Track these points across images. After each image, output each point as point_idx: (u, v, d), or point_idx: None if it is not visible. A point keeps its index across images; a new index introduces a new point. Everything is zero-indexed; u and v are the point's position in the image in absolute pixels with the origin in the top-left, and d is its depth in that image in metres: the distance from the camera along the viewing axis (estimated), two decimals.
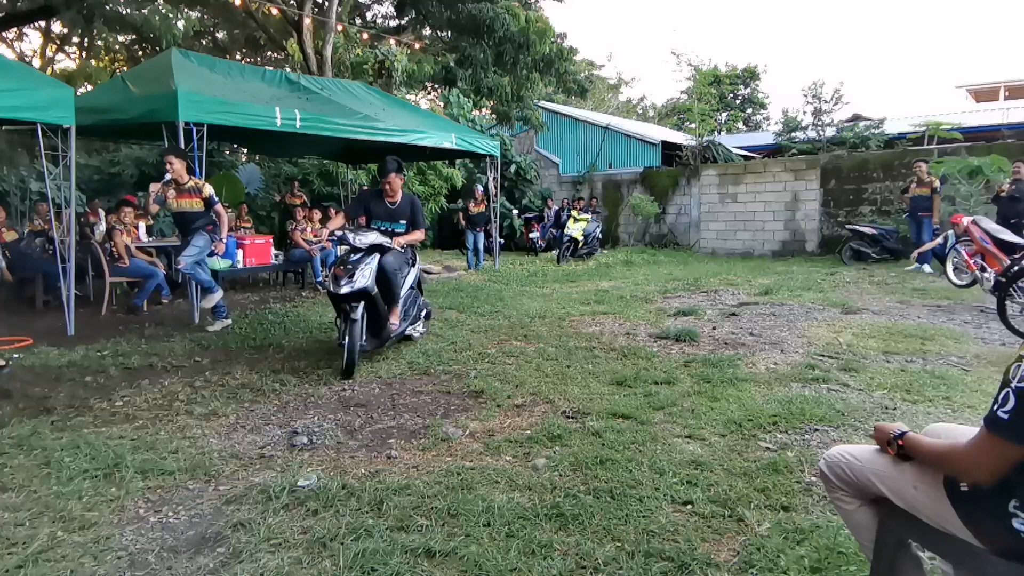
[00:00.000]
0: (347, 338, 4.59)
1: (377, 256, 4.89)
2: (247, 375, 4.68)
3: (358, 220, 5.46)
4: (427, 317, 5.92)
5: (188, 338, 5.86)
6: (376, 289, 4.80)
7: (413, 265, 5.63)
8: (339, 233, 5.04)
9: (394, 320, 5.10)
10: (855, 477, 1.67)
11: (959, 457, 1.41)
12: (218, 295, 6.29)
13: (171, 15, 11.54)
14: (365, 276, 4.70)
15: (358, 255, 4.84)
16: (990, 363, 4.63)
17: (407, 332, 5.45)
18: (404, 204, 5.34)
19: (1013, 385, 1.31)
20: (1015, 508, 1.36)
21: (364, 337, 4.83)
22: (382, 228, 5.23)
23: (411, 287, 5.47)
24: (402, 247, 5.17)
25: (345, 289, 4.62)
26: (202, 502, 2.70)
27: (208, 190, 6.17)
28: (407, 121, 9.52)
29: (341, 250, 5.50)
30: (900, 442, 1.57)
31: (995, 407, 1.33)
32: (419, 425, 3.64)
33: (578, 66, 23.09)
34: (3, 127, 7.36)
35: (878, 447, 1.66)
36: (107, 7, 11.26)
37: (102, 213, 9.72)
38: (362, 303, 4.75)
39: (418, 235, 5.37)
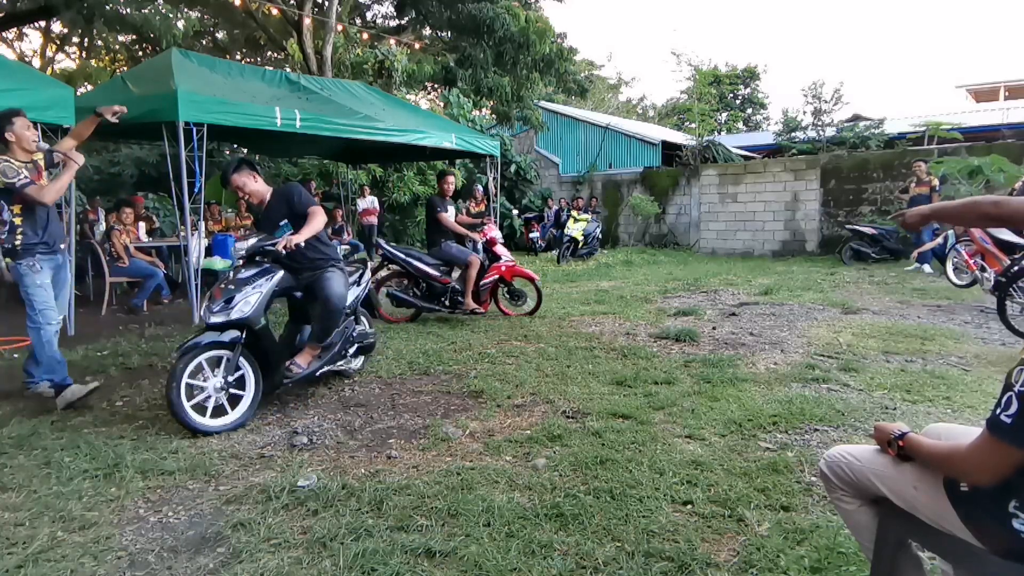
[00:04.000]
0: (169, 383, 3.37)
1: (278, 275, 3.83)
2: None
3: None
4: (367, 351, 4.67)
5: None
6: (262, 322, 3.73)
7: (359, 283, 4.54)
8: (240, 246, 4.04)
9: (302, 361, 3.98)
10: (855, 477, 1.66)
11: (961, 460, 1.41)
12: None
13: (171, 15, 11.55)
14: (249, 303, 3.62)
15: (251, 271, 3.77)
16: (990, 363, 4.63)
17: (336, 369, 4.38)
18: (275, 202, 4.12)
19: (1016, 389, 1.31)
20: (1015, 508, 1.36)
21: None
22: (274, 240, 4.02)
23: (345, 312, 4.29)
24: (296, 246, 3.81)
25: (216, 318, 3.57)
26: (202, 502, 2.70)
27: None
28: (407, 121, 9.52)
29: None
30: (901, 443, 1.57)
31: (997, 411, 1.33)
32: (419, 425, 3.64)
33: (578, 66, 23.09)
34: None
35: (878, 447, 1.66)
36: (107, 7, 11.26)
37: (102, 213, 9.71)
38: (237, 334, 3.62)
39: (312, 222, 3.95)
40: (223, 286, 3.73)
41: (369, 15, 20.30)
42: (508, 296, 7.03)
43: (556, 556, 2.23)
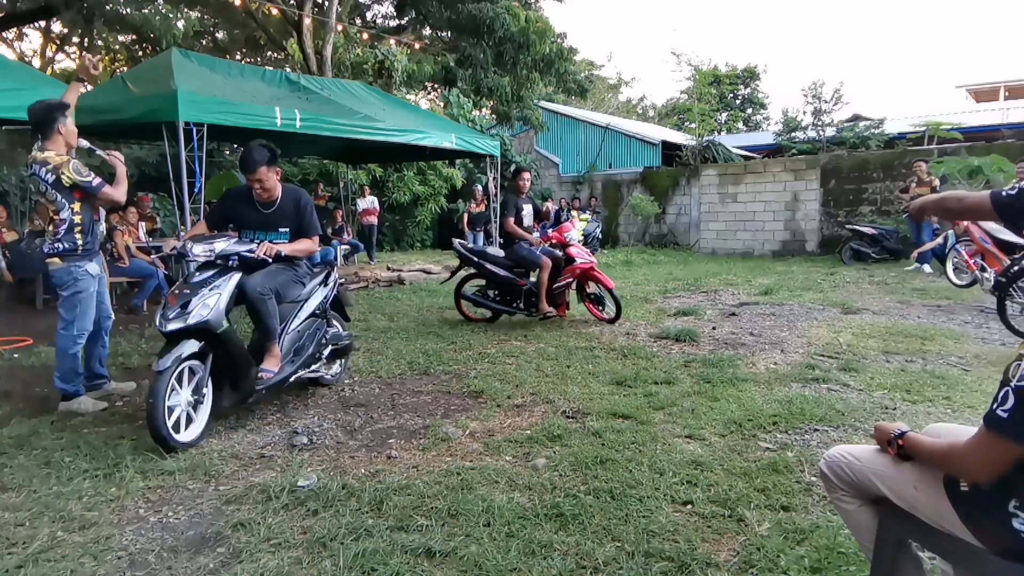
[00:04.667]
0: (153, 399, 3.13)
1: (236, 276, 3.58)
2: None
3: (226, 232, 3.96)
4: (342, 353, 4.45)
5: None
6: (225, 325, 3.44)
7: (325, 283, 4.31)
8: (178, 245, 3.64)
9: (269, 365, 3.72)
10: (855, 477, 1.66)
11: (959, 456, 1.41)
12: None
13: (171, 15, 11.54)
14: (208, 306, 3.36)
15: (207, 273, 3.52)
16: (990, 363, 4.63)
17: (310, 376, 4.15)
18: (286, 204, 3.94)
19: (1013, 384, 1.31)
20: (1015, 508, 1.36)
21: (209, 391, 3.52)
22: (256, 240, 3.86)
23: (313, 314, 4.14)
24: (277, 255, 3.75)
25: (172, 326, 3.30)
26: (202, 502, 2.70)
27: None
28: (407, 121, 9.52)
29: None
30: (900, 442, 1.57)
31: (994, 406, 1.33)
32: (419, 425, 3.64)
33: (578, 66, 23.09)
34: (3, 127, 7.36)
35: (878, 447, 1.66)
36: (107, 7, 11.26)
37: (103, 212, 9.69)
38: (200, 344, 3.38)
39: (305, 245, 3.90)
40: (177, 291, 3.47)
41: (369, 15, 20.31)
42: (591, 299, 6.57)
43: (556, 556, 2.23)
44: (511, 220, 6.41)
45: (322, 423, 3.68)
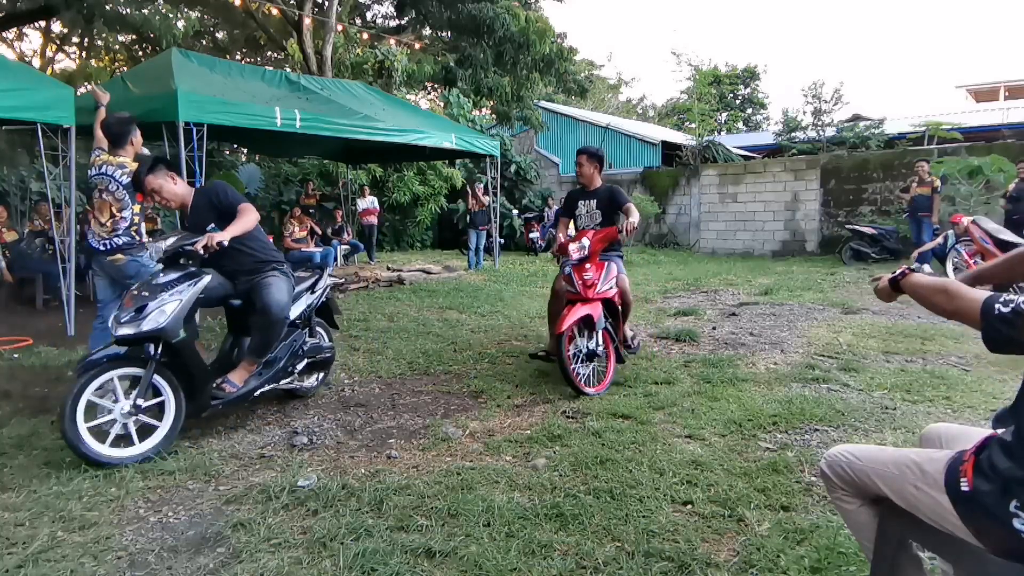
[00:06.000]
0: (66, 407, 2.92)
1: (204, 280, 3.34)
2: None
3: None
4: (321, 366, 4.15)
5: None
6: (181, 335, 3.18)
7: (312, 289, 4.03)
8: (149, 246, 3.54)
9: (236, 378, 3.49)
10: (856, 477, 1.66)
11: (959, 296, 1.49)
12: None
13: (171, 15, 11.56)
14: (164, 313, 3.10)
15: (172, 275, 3.29)
16: (990, 363, 4.63)
17: (283, 388, 3.86)
18: (200, 203, 3.65)
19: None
20: (1016, 508, 1.36)
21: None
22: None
23: (292, 323, 3.82)
24: (220, 245, 3.32)
25: (123, 331, 3.06)
26: (202, 502, 2.70)
27: None
28: (407, 121, 9.52)
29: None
30: (901, 278, 1.65)
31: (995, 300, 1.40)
32: (419, 425, 3.64)
33: (578, 66, 23.09)
34: (3, 127, 7.36)
35: (879, 447, 1.66)
36: (107, 7, 11.27)
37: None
38: (154, 349, 3.15)
39: (241, 221, 3.50)
40: (135, 292, 3.22)
41: (369, 15, 20.31)
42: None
43: (556, 556, 2.23)
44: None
45: (322, 423, 3.68)
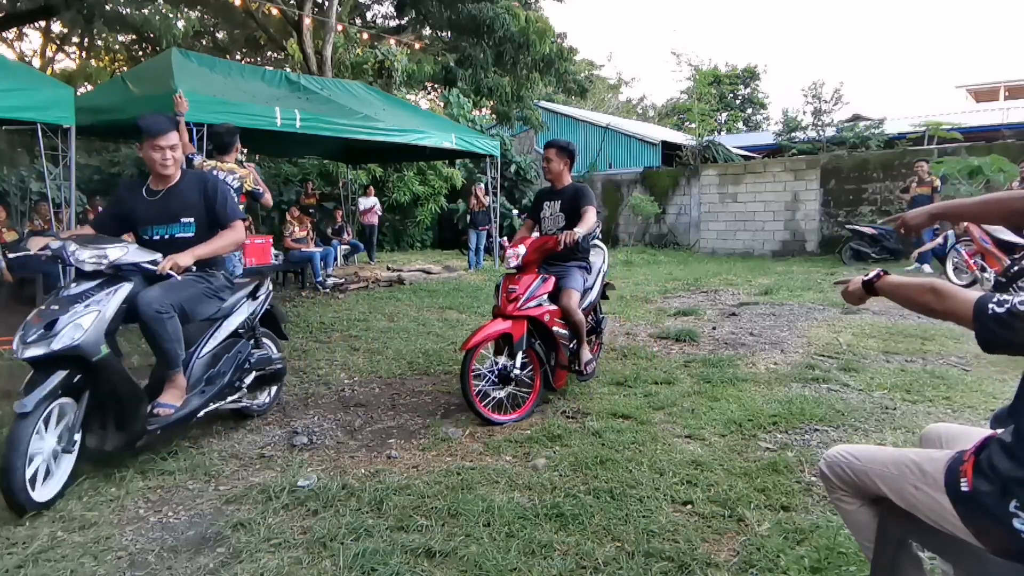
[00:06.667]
0: (9, 451, 2.42)
1: (124, 288, 2.85)
2: None
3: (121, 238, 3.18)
4: (271, 380, 3.77)
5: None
6: (103, 352, 2.71)
7: (254, 296, 3.59)
8: (55, 246, 2.85)
9: (169, 399, 3.02)
10: (855, 477, 1.66)
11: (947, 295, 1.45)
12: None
13: (171, 15, 11.53)
14: (80, 327, 2.64)
15: (87, 284, 2.81)
16: (990, 363, 4.63)
17: (230, 407, 3.46)
18: (187, 188, 3.22)
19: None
20: (1015, 508, 1.36)
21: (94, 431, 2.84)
22: (155, 237, 3.18)
23: (235, 333, 3.44)
24: (187, 269, 2.98)
25: (31, 352, 2.59)
26: (202, 502, 2.70)
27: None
28: (407, 121, 9.53)
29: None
30: (876, 281, 1.64)
31: (989, 300, 1.37)
32: (419, 425, 3.64)
33: (578, 66, 23.11)
34: (3, 127, 7.36)
35: (878, 447, 1.66)
36: (107, 7, 11.26)
37: None
38: (72, 375, 2.67)
39: (228, 238, 3.22)
40: (43, 307, 2.75)
41: (369, 15, 20.32)
42: None
43: (556, 556, 2.23)
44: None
45: (322, 423, 3.68)
